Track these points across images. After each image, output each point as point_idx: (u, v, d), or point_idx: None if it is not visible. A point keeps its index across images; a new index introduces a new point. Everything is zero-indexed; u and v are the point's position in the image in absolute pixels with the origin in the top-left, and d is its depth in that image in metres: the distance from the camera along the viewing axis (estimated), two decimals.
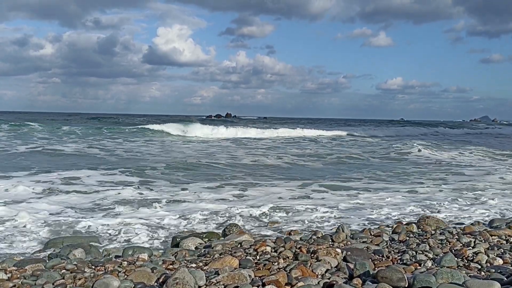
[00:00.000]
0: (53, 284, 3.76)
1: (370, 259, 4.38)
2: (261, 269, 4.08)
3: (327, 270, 4.04)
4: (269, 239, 5.44)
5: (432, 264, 4.21)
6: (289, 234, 5.72)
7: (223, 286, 3.62)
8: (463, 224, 6.48)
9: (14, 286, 3.72)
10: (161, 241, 5.89)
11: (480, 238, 5.17)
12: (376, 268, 4.03)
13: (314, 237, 5.44)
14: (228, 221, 6.80)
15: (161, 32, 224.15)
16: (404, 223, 6.37)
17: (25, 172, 11.28)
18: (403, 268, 4.01)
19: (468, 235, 5.34)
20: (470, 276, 3.72)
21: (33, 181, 9.80)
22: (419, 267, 4.11)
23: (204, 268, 4.15)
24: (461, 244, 4.95)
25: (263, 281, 3.66)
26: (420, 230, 5.92)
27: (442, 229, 5.79)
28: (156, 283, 3.75)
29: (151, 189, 9.48)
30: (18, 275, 3.98)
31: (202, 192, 9.18)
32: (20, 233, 5.95)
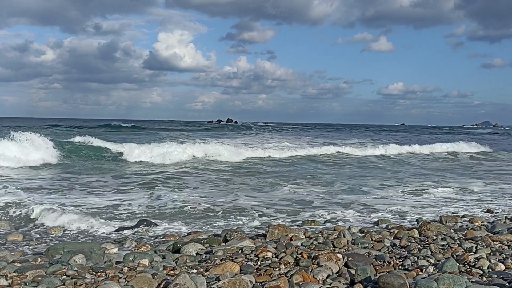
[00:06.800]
0: None
1: (371, 265, 4.37)
2: (262, 274, 4.07)
3: (329, 275, 4.03)
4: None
5: (433, 270, 4.19)
6: (290, 239, 5.70)
7: None
8: (464, 229, 6.46)
9: None
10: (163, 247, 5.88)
11: (482, 243, 5.16)
12: (377, 274, 4.01)
13: (315, 242, 5.42)
14: None
15: (162, 38, 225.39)
16: (405, 228, 6.35)
17: None
18: (404, 273, 3.99)
19: (470, 240, 5.32)
20: (472, 281, 3.71)
21: None
22: (420, 273, 4.10)
23: (205, 273, 4.14)
24: (463, 250, 4.94)
25: (264, 286, 3.66)
26: (421, 235, 5.90)
27: (444, 234, 5.77)
28: None
29: None
30: (19, 281, 3.97)
31: None
32: None
